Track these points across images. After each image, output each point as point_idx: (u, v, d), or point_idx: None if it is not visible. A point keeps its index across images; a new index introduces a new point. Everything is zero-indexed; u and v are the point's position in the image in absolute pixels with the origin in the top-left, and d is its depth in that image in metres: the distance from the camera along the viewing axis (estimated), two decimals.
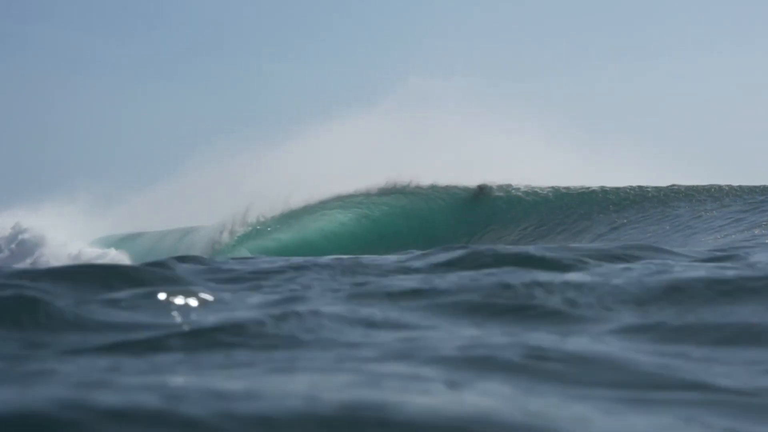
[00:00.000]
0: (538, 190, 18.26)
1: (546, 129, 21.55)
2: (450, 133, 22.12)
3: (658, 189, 16.52)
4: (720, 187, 15.84)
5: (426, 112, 23.62)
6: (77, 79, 51.33)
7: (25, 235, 24.97)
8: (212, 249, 20.18)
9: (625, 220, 15.24)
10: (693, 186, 16.27)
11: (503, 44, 53.42)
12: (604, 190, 17.06)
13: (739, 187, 15.67)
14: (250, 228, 21.26)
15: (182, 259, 5.98)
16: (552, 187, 18.13)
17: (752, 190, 15.35)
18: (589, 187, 17.33)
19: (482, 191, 19.40)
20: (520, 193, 18.35)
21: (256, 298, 4.02)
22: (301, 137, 23.37)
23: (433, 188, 20.20)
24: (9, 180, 42.16)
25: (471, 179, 19.44)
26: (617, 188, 17.07)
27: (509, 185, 19.03)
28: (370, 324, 3.23)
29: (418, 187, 20.56)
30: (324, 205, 21.11)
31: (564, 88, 48.48)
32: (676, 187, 16.46)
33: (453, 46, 49.67)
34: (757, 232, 12.67)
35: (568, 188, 17.77)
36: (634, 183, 16.83)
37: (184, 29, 62.08)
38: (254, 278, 4.92)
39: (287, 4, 64.68)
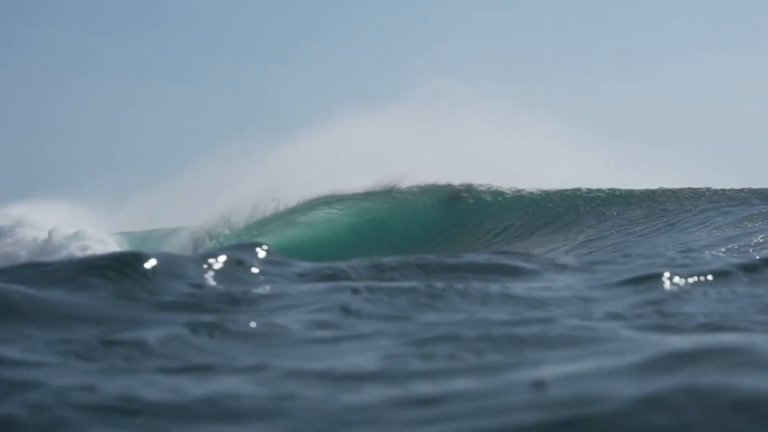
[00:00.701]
0: (522, 188, 18.21)
1: (559, 130, 21.43)
2: (455, 135, 22.02)
3: (644, 190, 16.58)
4: (708, 188, 15.96)
5: (435, 114, 23.50)
6: (76, 79, 50.91)
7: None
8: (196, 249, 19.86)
9: (615, 213, 15.24)
10: (680, 189, 16.35)
11: (517, 46, 53.87)
12: (589, 189, 17.06)
13: (730, 189, 15.78)
14: (230, 231, 21.01)
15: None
16: (537, 188, 18.07)
17: (739, 191, 15.48)
18: (576, 188, 17.31)
19: (461, 191, 19.24)
20: (504, 190, 18.27)
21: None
22: (302, 139, 23.23)
23: (415, 189, 20.03)
24: (9, 180, 41.77)
25: (475, 180, 19.19)
26: (601, 189, 17.07)
27: (490, 185, 18.91)
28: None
29: (395, 188, 20.39)
30: (304, 207, 20.86)
31: (571, 89, 48.78)
32: (661, 189, 16.54)
33: (463, 49, 49.91)
34: (749, 225, 12.73)
35: (553, 189, 17.73)
36: (636, 185, 16.79)
37: (186, 29, 61.66)
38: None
39: (290, 6, 64.64)
